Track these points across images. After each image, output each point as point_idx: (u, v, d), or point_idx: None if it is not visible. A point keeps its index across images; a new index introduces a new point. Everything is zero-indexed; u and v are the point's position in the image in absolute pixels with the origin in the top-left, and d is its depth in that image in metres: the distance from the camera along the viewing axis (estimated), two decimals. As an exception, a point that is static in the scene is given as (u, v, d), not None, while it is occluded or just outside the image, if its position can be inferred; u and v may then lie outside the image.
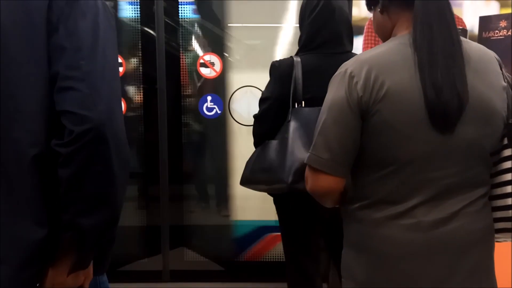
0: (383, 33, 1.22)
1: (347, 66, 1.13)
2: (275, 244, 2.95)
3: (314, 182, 1.16)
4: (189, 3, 2.88)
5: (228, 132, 3.03)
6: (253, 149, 1.88)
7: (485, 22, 2.55)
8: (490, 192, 1.16)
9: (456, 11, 2.63)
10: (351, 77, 1.09)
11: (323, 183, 1.15)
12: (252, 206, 2.97)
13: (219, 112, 2.91)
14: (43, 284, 1.00)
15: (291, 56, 1.82)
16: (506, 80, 1.15)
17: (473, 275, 1.12)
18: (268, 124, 1.82)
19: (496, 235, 1.18)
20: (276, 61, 1.85)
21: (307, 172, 1.18)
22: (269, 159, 1.74)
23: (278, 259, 2.96)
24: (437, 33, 1.05)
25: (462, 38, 1.10)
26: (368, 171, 1.13)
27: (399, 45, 1.10)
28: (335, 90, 1.12)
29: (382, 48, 1.13)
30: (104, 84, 0.96)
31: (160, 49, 2.79)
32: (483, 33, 2.63)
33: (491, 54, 1.17)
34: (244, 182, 1.88)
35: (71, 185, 0.94)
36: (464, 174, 1.10)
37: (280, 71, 1.80)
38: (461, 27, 2.66)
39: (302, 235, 1.95)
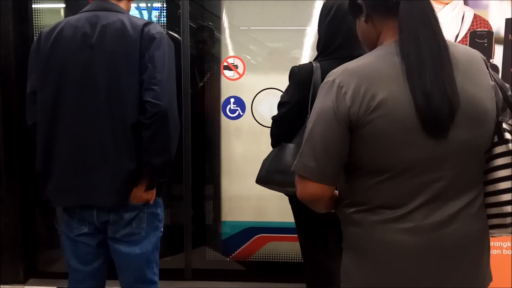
0: (369, 41, 1.22)
1: (336, 75, 1.12)
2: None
3: (302, 189, 1.18)
4: (214, 7, 2.93)
5: (250, 133, 3.07)
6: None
7: (512, 24, 2.52)
8: (483, 189, 1.16)
9: (481, 13, 2.61)
10: (340, 87, 1.09)
11: (310, 190, 1.16)
12: (275, 207, 3.00)
13: (241, 113, 2.95)
14: (129, 197, 1.68)
15: (311, 62, 1.84)
16: (492, 78, 1.15)
17: (470, 273, 1.15)
18: (285, 127, 1.85)
19: (490, 231, 1.19)
20: (296, 66, 1.87)
21: (296, 179, 1.19)
22: (284, 162, 1.77)
23: (298, 259, 2.97)
24: (423, 39, 1.05)
25: (449, 41, 1.11)
26: (365, 178, 1.13)
27: (386, 54, 1.10)
28: (322, 99, 1.13)
29: (370, 57, 1.13)
30: (168, 87, 1.65)
31: (185, 53, 2.85)
32: (509, 35, 2.59)
33: (477, 54, 1.18)
34: (260, 181, 1.92)
35: (148, 140, 1.62)
36: (460, 175, 1.10)
37: (299, 77, 1.82)
38: (486, 29, 2.63)
39: (319, 234, 1.97)
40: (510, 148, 1.12)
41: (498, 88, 1.16)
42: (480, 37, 2.61)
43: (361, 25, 1.23)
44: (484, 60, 1.17)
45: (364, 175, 1.13)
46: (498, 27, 2.61)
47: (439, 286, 1.12)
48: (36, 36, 2.79)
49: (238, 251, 3.05)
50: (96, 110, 1.64)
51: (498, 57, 2.63)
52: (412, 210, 1.10)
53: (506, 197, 1.12)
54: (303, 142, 1.15)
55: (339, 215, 1.26)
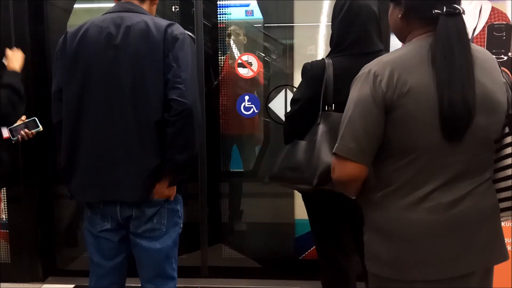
0: (400, 34, 1.37)
1: (370, 67, 1.27)
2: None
3: (341, 169, 1.29)
4: (227, 6, 2.93)
5: (265, 131, 3.07)
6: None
7: (530, 17, 2.47)
8: (494, 176, 1.31)
9: (499, 5, 2.56)
10: (375, 76, 1.23)
11: (349, 171, 1.27)
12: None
13: (256, 111, 2.95)
14: (153, 192, 1.72)
15: (323, 58, 1.83)
16: (504, 77, 1.31)
17: (486, 247, 1.27)
18: (297, 124, 1.84)
19: (501, 214, 1.32)
20: (308, 63, 1.86)
21: (334, 161, 1.31)
22: (296, 159, 1.77)
23: (314, 257, 2.96)
24: (456, 54, 1.19)
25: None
26: (392, 160, 1.26)
27: (418, 48, 1.25)
28: (360, 88, 1.26)
29: (403, 50, 1.28)
30: (192, 86, 1.68)
31: (199, 50, 2.86)
32: (528, 28, 2.53)
33: (491, 55, 1.35)
34: (272, 178, 1.93)
35: (173, 137, 1.65)
36: (473, 159, 1.24)
37: (312, 73, 1.82)
38: (504, 22, 2.58)
39: (332, 230, 1.97)
40: None
41: (508, 86, 1.31)
42: (498, 30, 2.56)
43: (395, 16, 1.35)
44: (496, 60, 1.33)
45: (389, 157, 1.26)
46: (516, 19, 2.56)
47: (458, 259, 1.24)
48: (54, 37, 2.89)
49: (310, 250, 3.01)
50: (120, 108, 1.67)
51: (516, 50, 2.57)
52: (432, 190, 1.23)
53: None
54: (343, 127, 1.27)
55: (362, 200, 1.38)
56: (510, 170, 1.27)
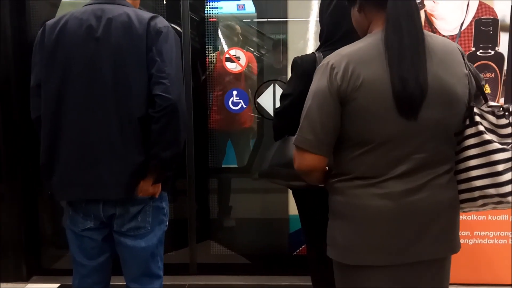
0: (361, 29, 1.39)
1: (330, 59, 1.29)
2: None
3: (301, 160, 1.33)
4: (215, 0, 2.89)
5: (253, 126, 3.04)
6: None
7: (517, 11, 2.48)
8: (455, 167, 1.33)
9: (487, 0, 2.56)
10: (332, 68, 1.26)
11: (308, 161, 1.32)
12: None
13: (244, 106, 2.93)
14: (137, 190, 1.68)
15: (313, 52, 1.81)
16: (467, 68, 1.32)
17: (439, 239, 1.30)
18: (288, 120, 1.81)
19: (461, 205, 1.36)
20: (298, 57, 1.84)
21: (294, 152, 1.35)
22: (288, 155, 1.73)
23: (304, 253, 2.96)
24: (405, 32, 1.22)
25: (428, 33, 1.29)
26: (348, 151, 1.30)
27: (374, 41, 1.27)
28: (319, 80, 1.29)
29: (361, 44, 1.30)
30: (177, 80, 1.64)
31: (186, 45, 2.82)
32: (516, 22, 2.55)
33: (454, 45, 1.35)
34: (263, 175, 1.90)
35: (158, 133, 1.61)
36: (431, 151, 1.27)
37: (302, 68, 1.79)
38: (492, 17, 2.59)
39: (322, 225, 1.95)
40: (479, 129, 1.27)
41: (472, 77, 1.33)
42: (485, 25, 2.57)
43: (354, 14, 1.40)
44: (461, 51, 1.34)
45: (348, 148, 1.30)
46: (503, 14, 2.58)
47: (409, 247, 1.27)
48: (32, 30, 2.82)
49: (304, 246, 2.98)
50: (102, 103, 1.62)
51: (503, 44, 2.60)
52: (387, 180, 1.27)
53: (475, 173, 1.28)
54: (302, 119, 1.31)
55: (326, 187, 1.42)
56: (470, 161, 1.29)
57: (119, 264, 1.83)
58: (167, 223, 1.85)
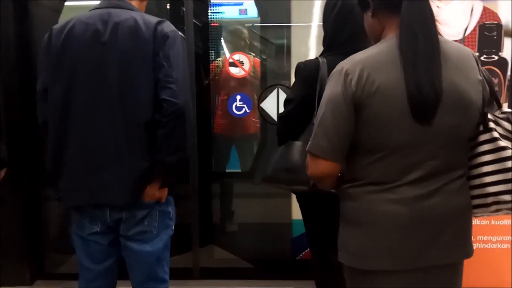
0: (374, 35, 1.38)
1: (344, 65, 1.28)
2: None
3: (314, 167, 1.32)
4: (218, 4, 2.90)
5: (257, 131, 3.04)
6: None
7: (521, 16, 2.48)
8: (468, 173, 1.32)
9: (491, 5, 2.57)
10: (347, 74, 1.25)
11: (321, 168, 1.31)
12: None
13: (248, 111, 2.92)
14: (144, 194, 1.68)
15: (317, 58, 1.81)
16: (481, 74, 1.31)
17: (452, 244, 1.29)
18: (291, 125, 1.82)
19: (473, 211, 1.35)
20: (302, 62, 1.84)
21: (308, 158, 1.33)
22: (292, 160, 1.74)
23: (307, 257, 2.95)
24: (420, 37, 1.21)
25: (442, 38, 1.27)
26: (362, 157, 1.29)
27: (389, 46, 1.26)
28: (333, 86, 1.28)
29: (375, 49, 1.29)
30: (184, 85, 1.64)
31: (190, 49, 2.82)
32: (519, 27, 2.55)
33: (469, 51, 1.34)
34: (265, 180, 1.89)
35: (164, 138, 1.61)
36: (444, 157, 1.26)
37: (306, 73, 1.80)
38: (495, 22, 2.59)
39: (326, 230, 1.95)
40: (494, 135, 1.26)
41: (486, 83, 1.32)
42: (489, 30, 2.57)
43: (368, 19, 1.38)
44: (475, 58, 1.33)
45: (362, 154, 1.29)
46: (507, 19, 2.58)
47: (422, 252, 1.27)
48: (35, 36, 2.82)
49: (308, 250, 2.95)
50: (108, 108, 1.62)
51: (507, 50, 2.59)
52: (400, 185, 1.26)
53: (488, 179, 1.27)
54: (316, 125, 1.30)
55: (338, 192, 1.41)
56: (484, 167, 1.28)
57: (125, 268, 1.83)
58: (173, 228, 1.85)
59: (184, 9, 2.81)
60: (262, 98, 2.92)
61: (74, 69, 1.64)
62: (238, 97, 2.92)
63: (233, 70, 2.90)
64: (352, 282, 1.39)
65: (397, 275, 1.28)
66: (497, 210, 1.31)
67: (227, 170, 3.15)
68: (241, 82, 2.95)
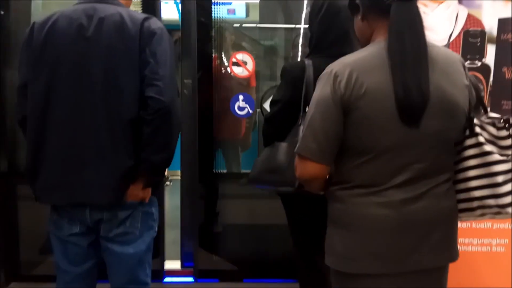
0: (364, 38, 1.39)
1: (333, 67, 1.29)
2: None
3: (302, 169, 1.33)
4: (222, 3, 2.87)
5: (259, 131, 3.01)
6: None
7: (504, 24, 2.51)
8: (454, 177, 1.34)
9: (475, 12, 2.60)
10: (336, 76, 1.26)
11: (310, 170, 1.31)
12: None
13: (250, 111, 2.89)
14: (127, 194, 1.63)
15: (303, 59, 1.81)
16: (468, 79, 1.33)
17: (438, 247, 1.30)
18: (277, 126, 1.82)
19: (459, 215, 1.37)
20: (288, 63, 1.85)
21: (297, 160, 1.34)
22: (277, 161, 1.74)
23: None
24: (408, 40, 1.22)
25: (431, 43, 1.28)
26: (350, 159, 1.30)
27: (378, 49, 1.27)
28: (322, 88, 1.28)
29: (364, 52, 1.30)
30: (171, 83, 1.60)
31: (193, 48, 2.80)
32: (502, 35, 2.59)
33: (456, 56, 1.38)
34: (251, 181, 1.89)
35: (149, 136, 1.57)
36: (431, 161, 1.27)
37: (292, 75, 1.80)
38: (479, 29, 2.63)
39: (311, 231, 1.95)
40: (480, 140, 1.28)
41: (472, 88, 1.34)
42: (473, 36, 2.61)
43: (357, 23, 1.39)
44: (462, 63, 1.35)
45: (350, 156, 1.29)
46: (490, 26, 2.62)
47: (408, 255, 1.27)
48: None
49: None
50: (91, 104, 1.58)
51: (490, 56, 2.63)
52: (387, 189, 1.27)
53: (474, 183, 1.29)
54: (305, 127, 1.30)
55: (326, 194, 1.41)
56: (470, 172, 1.29)
57: (105, 270, 1.78)
58: (156, 229, 1.81)
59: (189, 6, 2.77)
60: (265, 98, 2.91)
61: (56, 64, 1.59)
62: (241, 97, 2.86)
63: (236, 70, 2.86)
64: (338, 286, 1.38)
65: (384, 278, 1.28)
66: (482, 215, 1.33)
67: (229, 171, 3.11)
68: (244, 82, 2.91)
